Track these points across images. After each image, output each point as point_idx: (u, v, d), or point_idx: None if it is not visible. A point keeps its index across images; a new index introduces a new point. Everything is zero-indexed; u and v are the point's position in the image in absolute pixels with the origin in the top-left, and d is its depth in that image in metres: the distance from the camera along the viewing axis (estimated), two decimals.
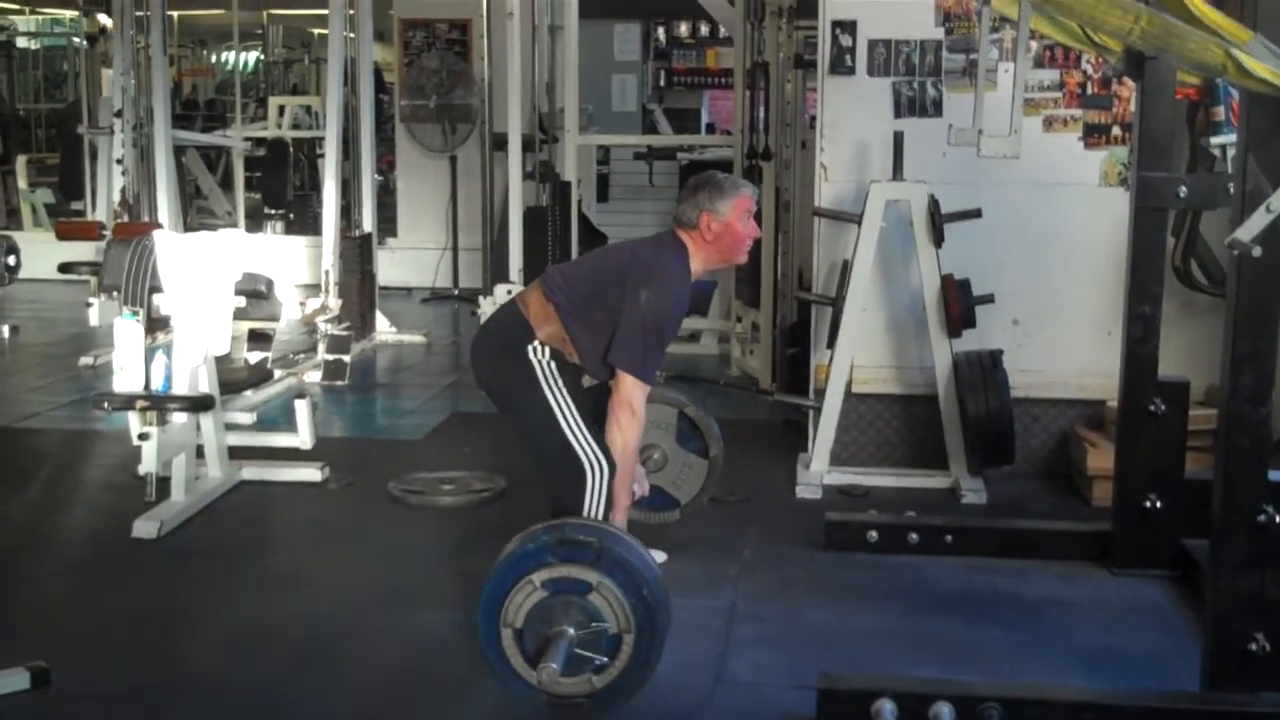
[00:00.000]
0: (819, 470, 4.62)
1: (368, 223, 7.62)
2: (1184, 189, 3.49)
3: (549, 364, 3.45)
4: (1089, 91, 4.61)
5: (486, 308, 5.78)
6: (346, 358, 6.18)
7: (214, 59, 15.60)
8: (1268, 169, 2.62)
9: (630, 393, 3.43)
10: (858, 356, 4.67)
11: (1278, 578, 2.75)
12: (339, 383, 6.13)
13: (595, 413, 3.48)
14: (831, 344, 4.64)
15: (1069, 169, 4.61)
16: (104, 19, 9.38)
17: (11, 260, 7.04)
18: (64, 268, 6.12)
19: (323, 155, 8.35)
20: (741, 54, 6.63)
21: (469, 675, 3.00)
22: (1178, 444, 3.66)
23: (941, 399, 4.57)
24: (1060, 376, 4.72)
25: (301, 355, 6.51)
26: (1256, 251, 2.58)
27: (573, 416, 3.42)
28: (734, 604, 3.58)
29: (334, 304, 6.65)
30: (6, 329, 7.47)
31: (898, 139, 4.50)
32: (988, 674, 3.11)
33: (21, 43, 14.08)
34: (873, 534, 3.93)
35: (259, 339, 5.23)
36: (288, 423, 4.84)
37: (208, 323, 4.26)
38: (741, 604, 3.58)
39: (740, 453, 4.31)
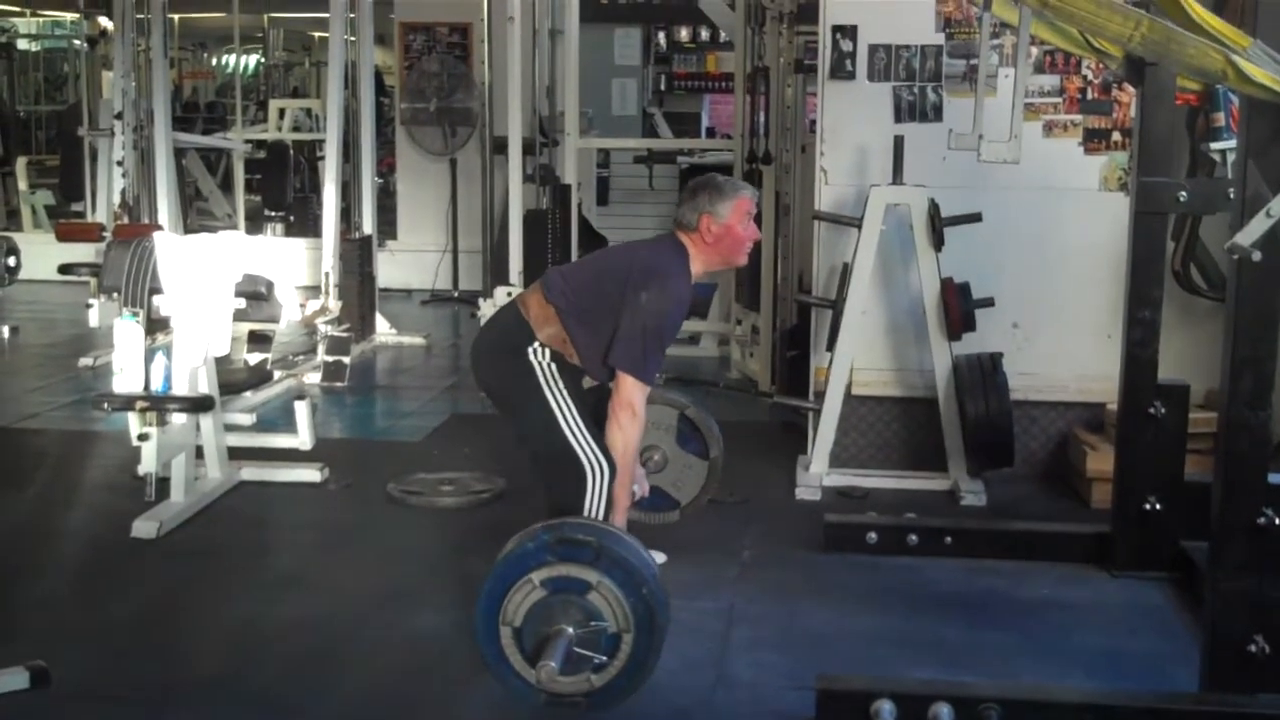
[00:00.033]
0: (818, 472, 4.63)
1: (368, 225, 7.63)
2: (1184, 194, 3.50)
3: (549, 365, 3.46)
4: (1089, 97, 4.62)
5: (486, 310, 5.79)
6: (346, 359, 6.19)
7: (214, 62, 15.62)
8: (1267, 174, 2.63)
9: (631, 393, 3.43)
10: (857, 359, 4.67)
11: (1277, 580, 2.76)
12: (339, 384, 6.14)
13: (595, 414, 3.49)
14: (831, 347, 4.64)
15: (1069, 174, 4.62)
16: (105, 21, 9.37)
17: (11, 261, 7.06)
18: (64, 269, 6.12)
19: (323, 158, 8.37)
20: (742, 59, 6.64)
21: (468, 675, 3.01)
22: (1177, 447, 3.66)
23: (941, 402, 4.58)
24: (1060, 380, 4.73)
25: (301, 357, 6.52)
26: (1256, 256, 2.58)
27: (573, 418, 3.43)
28: (733, 605, 3.58)
29: (334, 306, 6.66)
30: (6, 330, 7.47)
31: (898, 143, 4.51)
32: (987, 675, 3.11)
33: (22, 45, 14.09)
34: (872, 536, 3.94)
35: (259, 340, 5.24)
36: (287, 424, 4.84)
37: (207, 324, 4.27)
38: (741, 605, 3.59)
39: (740, 455, 4.31)
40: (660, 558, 3.55)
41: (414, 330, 7.68)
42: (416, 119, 9.13)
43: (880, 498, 4.56)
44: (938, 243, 4.52)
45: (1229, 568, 2.79)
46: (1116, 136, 4.60)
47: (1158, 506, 3.66)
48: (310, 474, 4.65)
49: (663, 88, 11.97)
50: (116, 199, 7.76)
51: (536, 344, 3.46)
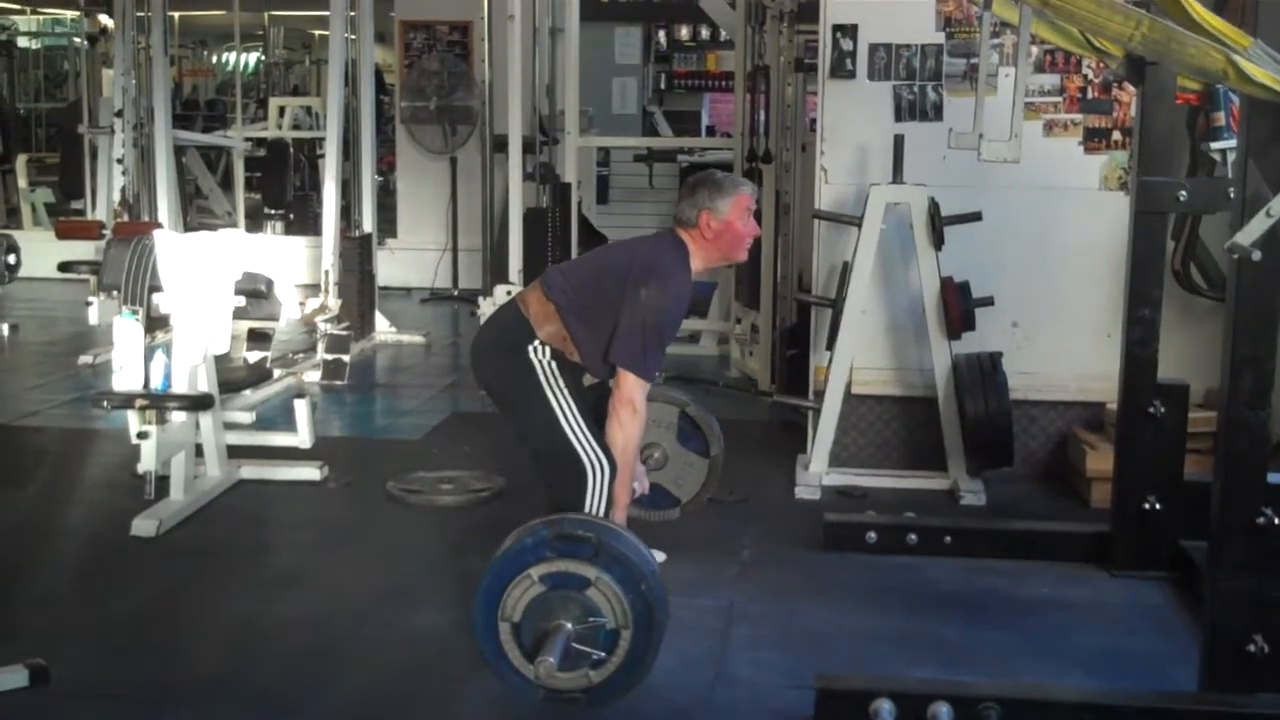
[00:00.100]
0: (818, 471, 4.63)
1: (368, 223, 7.63)
2: (1184, 193, 3.50)
3: (549, 363, 3.46)
4: (1089, 96, 4.62)
5: (486, 308, 5.79)
6: (346, 357, 6.19)
7: (215, 59, 15.61)
8: (1267, 174, 2.63)
9: (631, 390, 3.43)
10: (857, 358, 4.67)
11: (1276, 580, 2.76)
12: (338, 382, 6.14)
13: (596, 412, 3.49)
14: (831, 345, 4.64)
15: (1069, 173, 4.62)
16: (105, 19, 9.39)
17: (11, 259, 7.06)
18: (64, 267, 6.13)
19: (323, 156, 8.36)
20: (742, 57, 6.64)
21: (467, 672, 3.01)
22: (1177, 446, 3.66)
23: (941, 401, 4.58)
24: (1060, 379, 4.73)
25: (301, 355, 6.52)
26: (1256, 256, 2.58)
27: (573, 416, 3.43)
28: (732, 604, 3.58)
29: (333, 304, 6.66)
30: (6, 327, 7.46)
31: (898, 142, 4.51)
32: (986, 674, 3.11)
33: (22, 42, 14.08)
34: (871, 535, 3.94)
35: (258, 338, 5.24)
36: (287, 422, 4.84)
37: (207, 322, 4.26)
38: (740, 604, 3.59)
39: (739, 453, 4.31)
40: (660, 556, 3.55)
41: (414, 329, 7.68)
42: (417, 117, 9.13)
43: (880, 497, 4.56)
44: (937, 242, 4.52)
45: (1228, 567, 2.79)
46: (1117, 136, 4.59)
47: (1157, 506, 3.66)
48: (310, 472, 4.65)
49: (663, 86, 11.97)
50: (116, 197, 7.78)
51: (536, 342, 3.46)
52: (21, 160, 10.65)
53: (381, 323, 7.54)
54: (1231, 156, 3.55)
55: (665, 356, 3.59)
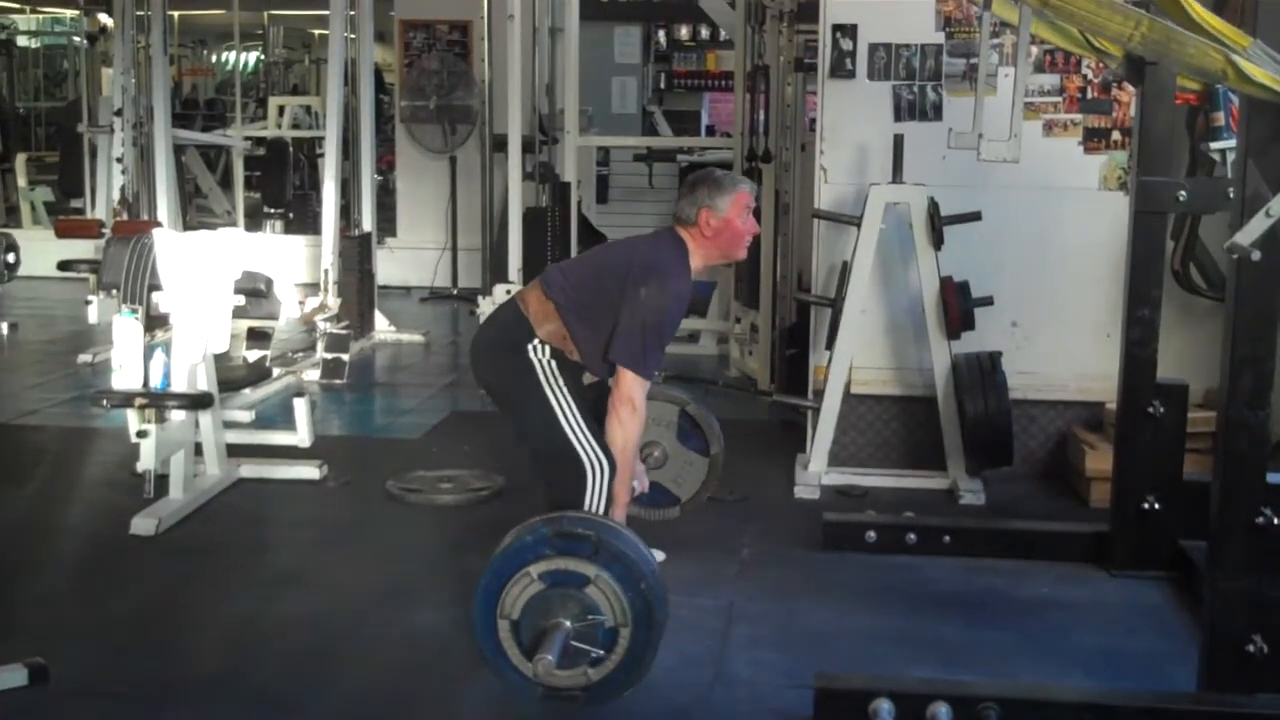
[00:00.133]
0: (817, 471, 4.63)
1: (367, 222, 7.63)
2: (1183, 193, 3.50)
3: (549, 362, 3.46)
4: (1089, 96, 4.62)
5: (485, 307, 5.79)
6: (345, 356, 6.19)
7: (214, 59, 15.61)
8: (1267, 174, 2.63)
9: (631, 388, 3.43)
10: (856, 358, 4.67)
11: (1275, 580, 2.76)
12: (337, 381, 6.14)
13: (595, 411, 3.49)
14: (830, 345, 4.64)
15: (1069, 173, 4.62)
16: (104, 18, 9.39)
17: (11, 257, 7.05)
18: (63, 265, 6.13)
19: (322, 155, 8.36)
20: (742, 57, 6.64)
21: (467, 671, 3.01)
22: (1176, 446, 3.66)
23: (940, 400, 4.58)
24: (1059, 379, 4.73)
25: (300, 354, 6.52)
26: (1256, 256, 2.58)
27: (573, 415, 3.43)
28: (732, 603, 3.59)
29: (333, 303, 6.66)
30: (5, 326, 7.46)
31: (898, 142, 4.51)
32: (985, 674, 3.11)
33: (22, 41, 14.07)
34: (871, 534, 3.94)
35: (258, 337, 5.24)
36: (286, 421, 4.84)
37: (207, 321, 4.26)
38: (740, 603, 3.59)
39: (739, 453, 4.31)
40: (659, 555, 3.55)
41: (413, 328, 7.68)
42: (416, 116, 9.13)
43: (879, 496, 4.56)
44: (937, 241, 4.52)
45: (1227, 567, 2.79)
46: (1116, 136, 4.59)
47: (1156, 506, 3.66)
48: (309, 471, 4.65)
49: (662, 86, 11.97)
50: (116, 196, 7.78)
51: (536, 341, 3.46)
52: (21, 159, 10.65)
53: (381, 322, 7.54)
54: (1231, 156, 3.55)
55: (665, 355, 3.59)
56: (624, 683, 2.82)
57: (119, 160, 7.77)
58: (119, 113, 7.80)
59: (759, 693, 3.05)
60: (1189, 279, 4.43)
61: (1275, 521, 2.73)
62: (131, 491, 4.19)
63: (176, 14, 11.74)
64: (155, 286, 4.47)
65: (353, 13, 7.63)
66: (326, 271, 6.79)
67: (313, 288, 6.90)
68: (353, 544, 4.11)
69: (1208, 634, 2.85)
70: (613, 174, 10.30)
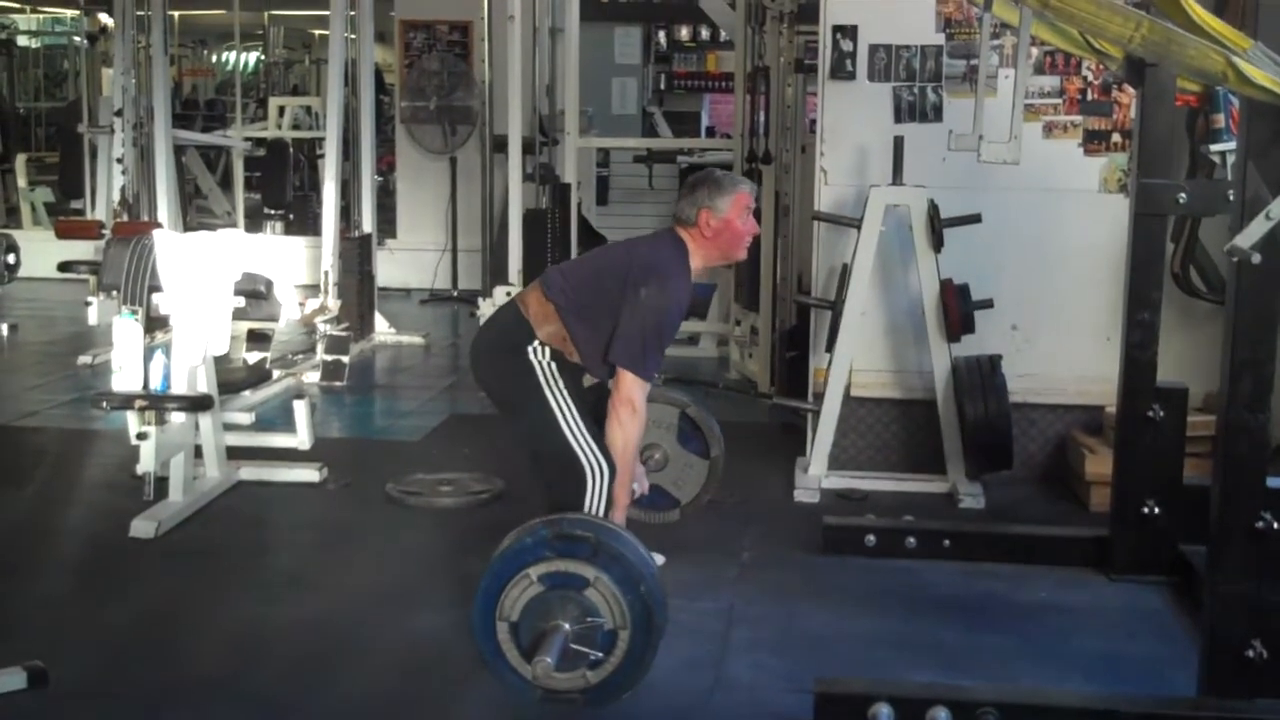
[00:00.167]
0: (817, 474, 4.63)
1: (367, 223, 7.63)
2: (1184, 196, 3.50)
3: (549, 364, 3.46)
4: (1089, 98, 4.62)
5: (485, 309, 5.79)
6: (345, 358, 6.18)
7: (215, 59, 15.61)
8: (1267, 176, 2.63)
9: (631, 390, 3.43)
10: (856, 360, 4.67)
11: (1275, 584, 2.75)
12: (337, 383, 6.13)
13: (595, 412, 3.49)
14: (830, 348, 4.64)
15: (1069, 175, 4.62)
16: (105, 18, 9.40)
17: (11, 259, 7.05)
18: (63, 266, 6.11)
19: (323, 156, 8.36)
20: (742, 58, 6.64)
21: (466, 674, 3.01)
22: (1176, 450, 3.66)
23: (940, 403, 4.58)
24: (1059, 382, 4.73)
25: (300, 356, 6.51)
26: (1256, 258, 2.58)
27: (573, 418, 3.43)
28: (732, 606, 3.58)
29: (333, 304, 6.65)
30: (5, 327, 7.46)
31: (898, 144, 4.51)
32: (985, 678, 3.11)
33: (22, 41, 14.08)
34: (870, 538, 3.94)
35: (258, 339, 5.24)
36: (286, 423, 4.83)
37: (207, 322, 4.26)
38: (740, 606, 3.58)
39: (739, 456, 4.31)
40: (659, 559, 3.55)
41: (413, 329, 7.68)
42: (416, 117, 9.13)
43: (879, 500, 4.56)
44: (937, 244, 4.51)
45: (1227, 572, 2.79)
46: (1116, 138, 4.59)
47: (1156, 510, 3.65)
48: (309, 474, 4.65)
49: (663, 87, 11.97)
50: (116, 196, 7.78)
51: (536, 343, 3.46)
52: (21, 159, 10.65)
53: (381, 323, 7.54)
54: (1231, 159, 3.55)
55: (665, 358, 3.59)
56: (623, 685, 2.82)
57: (119, 161, 7.77)
58: (119, 113, 7.80)
59: (759, 696, 3.05)
60: (1189, 282, 4.43)
61: (1275, 526, 2.72)
62: (131, 494, 4.19)
63: (177, 14, 11.74)
64: (155, 288, 4.46)
65: (353, 13, 7.63)
66: (327, 273, 6.80)
67: (313, 289, 6.90)
68: (352, 546, 4.11)
69: (1207, 639, 2.85)
70: (613, 175, 10.29)
